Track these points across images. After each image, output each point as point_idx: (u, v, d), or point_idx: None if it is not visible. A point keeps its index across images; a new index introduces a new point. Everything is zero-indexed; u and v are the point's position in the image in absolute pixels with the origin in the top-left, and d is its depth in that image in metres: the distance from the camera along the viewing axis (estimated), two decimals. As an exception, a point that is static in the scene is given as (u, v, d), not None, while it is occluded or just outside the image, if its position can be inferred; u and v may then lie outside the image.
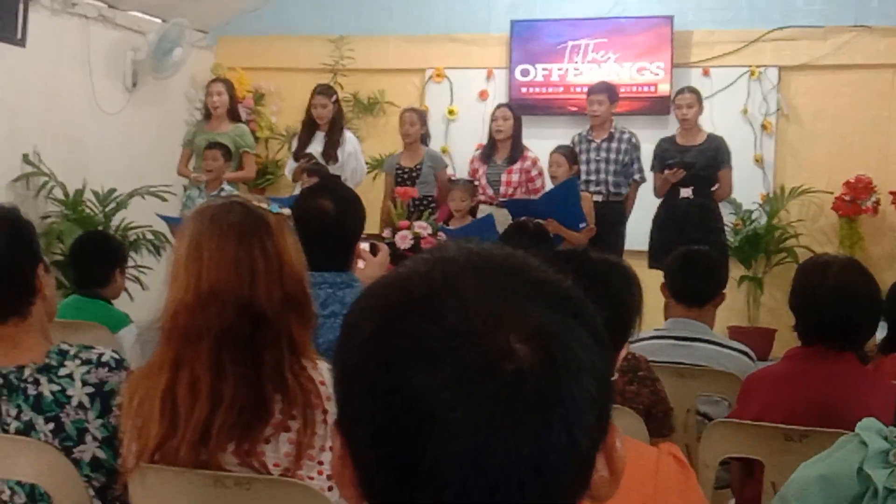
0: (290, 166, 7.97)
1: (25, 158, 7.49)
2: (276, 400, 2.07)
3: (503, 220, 6.46)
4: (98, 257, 4.67)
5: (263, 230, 2.18)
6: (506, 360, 0.86)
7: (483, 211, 7.23)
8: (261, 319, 2.10)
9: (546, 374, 0.87)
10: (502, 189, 7.58)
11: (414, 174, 7.82)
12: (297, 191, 7.15)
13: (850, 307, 2.94)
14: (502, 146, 7.71)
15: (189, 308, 2.10)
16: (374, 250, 3.63)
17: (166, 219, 7.14)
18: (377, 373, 0.89)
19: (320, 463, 2.07)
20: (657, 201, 7.65)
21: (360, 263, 3.44)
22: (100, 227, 7.48)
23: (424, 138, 8.09)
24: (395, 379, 0.88)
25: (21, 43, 6.59)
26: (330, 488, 2.07)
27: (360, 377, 0.91)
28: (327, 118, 7.84)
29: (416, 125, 7.95)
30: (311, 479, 2.06)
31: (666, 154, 7.54)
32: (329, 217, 3.10)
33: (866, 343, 3.10)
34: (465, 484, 0.86)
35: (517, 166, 7.62)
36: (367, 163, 8.55)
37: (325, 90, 7.99)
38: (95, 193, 7.82)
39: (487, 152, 7.77)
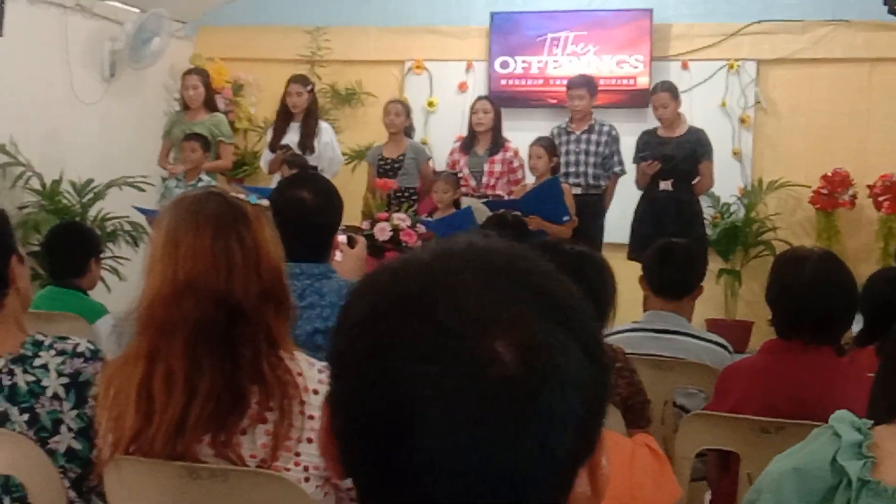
0: (265, 157, 7.96)
1: (2, 149, 7.44)
2: (252, 392, 2.06)
3: (481, 212, 6.47)
4: (73, 247, 4.64)
5: (241, 221, 2.17)
6: (490, 365, 0.86)
7: (465, 203, 7.23)
8: (238, 311, 2.09)
9: (527, 383, 0.87)
10: (485, 180, 7.60)
11: (396, 165, 7.81)
12: (274, 182, 7.13)
13: (828, 300, 2.95)
14: (483, 138, 7.73)
15: (165, 299, 2.08)
16: (351, 242, 3.63)
17: (143, 211, 7.12)
18: (365, 358, 0.90)
19: (297, 454, 2.06)
20: (638, 194, 7.66)
21: (338, 255, 3.44)
22: (77, 218, 7.44)
23: (408, 131, 8.08)
24: (381, 368, 0.88)
25: (-2, 32, 6.55)
26: (307, 479, 2.07)
27: (350, 359, 0.92)
28: (302, 107, 7.83)
29: (401, 116, 7.95)
30: (288, 470, 2.05)
31: (646, 146, 7.55)
32: (307, 208, 3.09)
33: (843, 336, 3.11)
34: (435, 481, 0.87)
35: (499, 157, 7.64)
36: (344, 154, 8.53)
37: (300, 79, 7.98)
38: (73, 184, 7.78)
39: (468, 144, 7.78)
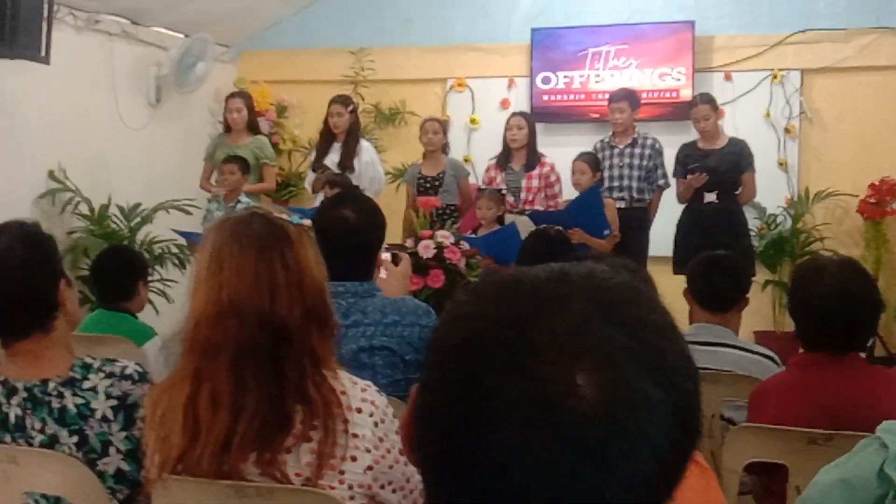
0: (310, 178, 8.01)
1: (51, 175, 7.53)
2: (297, 411, 2.07)
3: (525, 227, 6.46)
4: (120, 271, 4.69)
5: (284, 242, 2.18)
6: (567, 396, 0.86)
7: (508, 219, 7.23)
8: (282, 332, 2.10)
9: (598, 426, 0.85)
10: (522, 195, 7.60)
11: (436, 183, 7.83)
12: (317, 202, 7.17)
13: (849, 308, 2.92)
14: (518, 154, 7.74)
15: (210, 321, 2.10)
16: (395, 260, 3.65)
17: (182, 233, 7.18)
18: (456, 358, 0.92)
19: (341, 473, 2.07)
20: (681, 207, 7.63)
21: (382, 273, 3.45)
22: (125, 242, 7.52)
23: (444, 148, 8.10)
24: (469, 372, 0.90)
25: (45, 60, 6.62)
26: (351, 497, 2.08)
27: (442, 356, 0.94)
28: (344, 127, 7.86)
29: (438, 134, 7.96)
30: (333, 488, 2.06)
31: (688, 159, 7.51)
32: (350, 227, 3.11)
33: (867, 343, 3.06)
34: (495, 495, 0.87)
35: (536, 172, 7.64)
36: (388, 172, 8.56)
37: (341, 99, 8.01)
38: (120, 208, 7.86)
39: (503, 160, 7.79)
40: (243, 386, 2.06)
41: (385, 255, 3.46)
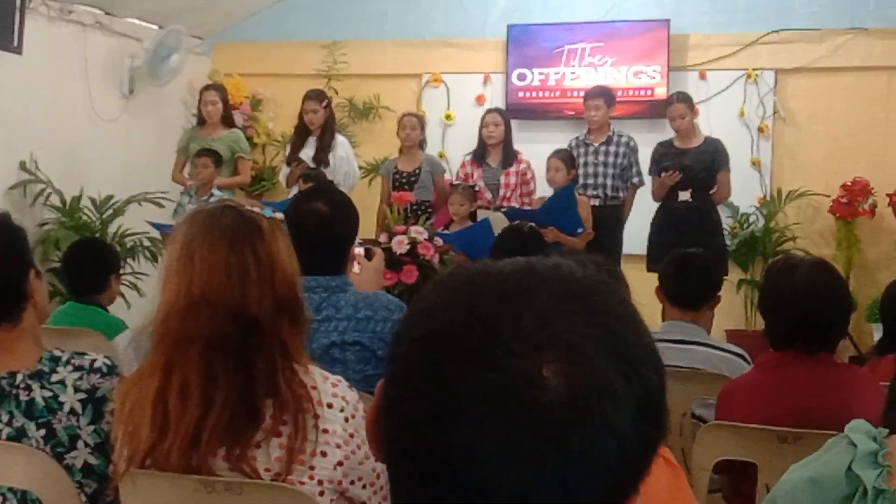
0: (283, 172, 8.00)
1: (22, 166, 7.48)
2: (267, 405, 2.06)
3: (500, 224, 6.47)
4: (93, 264, 4.66)
5: (256, 235, 2.17)
6: (531, 387, 0.86)
7: (481, 215, 7.24)
8: (252, 325, 2.09)
9: (562, 416, 0.86)
10: (501, 192, 7.61)
11: (412, 178, 7.83)
12: (291, 195, 7.15)
13: (821, 308, 2.93)
14: (494, 150, 7.77)
15: (180, 313, 2.09)
16: (368, 254, 3.64)
17: (156, 226, 7.16)
18: (422, 349, 0.92)
19: (311, 468, 2.06)
20: (655, 205, 7.66)
21: (356, 268, 3.44)
22: (97, 234, 7.47)
23: (422, 144, 8.10)
24: (436, 362, 0.90)
25: (17, 50, 6.59)
26: (321, 493, 2.07)
27: (408, 348, 0.94)
28: (319, 123, 7.84)
29: (416, 129, 7.97)
30: (303, 483, 2.05)
31: (663, 157, 7.55)
32: (323, 220, 3.11)
33: (838, 343, 3.08)
34: (461, 482, 0.88)
35: (513, 169, 7.67)
36: (361, 167, 8.55)
37: (315, 95, 7.99)
38: (92, 200, 7.82)
39: (479, 156, 7.80)
40: (213, 379, 2.05)
41: (358, 250, 3.45)
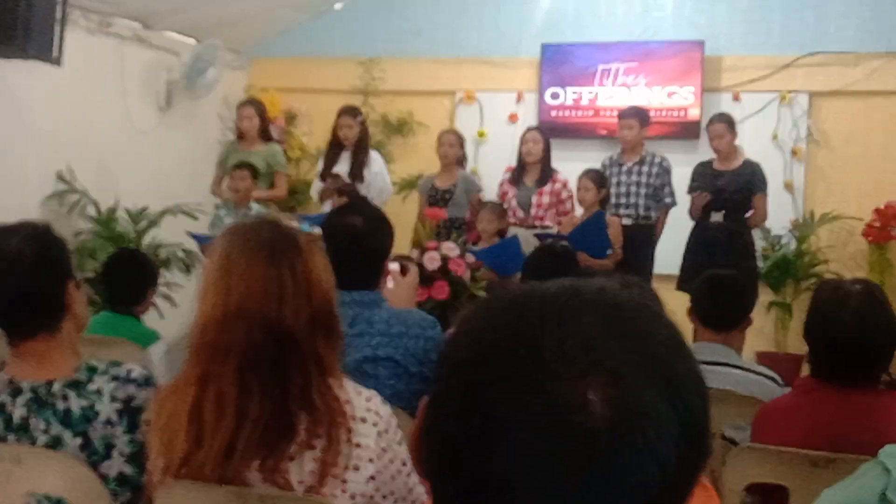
0: (315, 186, 8.03)
1: (59, 176, 7.56)
2: (301, 418, 2.08)
3: (530, 242, 6.47)
4: (132, 275, 4.70)
5: (293, 250, 2.19)
6: (576, 411, 0.86)
7: (513, 233, 7.23)
8: (288, 339, 2.11)
9: (605, 440, 0.86)
10: (533, 211, 7.60)
11: (447, 195, 7.85)
12: (325, 209, 7.18)
13: (869, 338, 2.87)
14: (532, 169, 7.74)
15: (217, 325, 2.11)
16: (403, 270, 3.65)
17: (196, 237, 7.19)
18: (466, 370, 0.92)
19: (344, 482, 2.07)
20: (690, 225, 7.66)
21: (390, 283, 3.45)
22: (131, 245, 7.53)
23: (460, 161, 8.11)
24: (479, 384, 0.90)
25: (57, 62, 6.64)
26: (353, 507, 2.08)
27: (453, 365, 0.95)
28: (353, 139, 7.88)
29: (454, 146, 7.99)
30: (335, 497, 2.06)
31: (699, 177, 7.58)
32: (358, 233, 3.12)
33: (881, 375, 3.01)
34: (504, 503, 0.88)
35: (547, 188, 7.65)
36: (395, 183, 8.57)
37: (350, 111, 8.02)
38: (128, 211, 7.89)
39: (517, 175, 7.79)
40: (248, 391, 2.06)
41: (393, 266, 3.46)
